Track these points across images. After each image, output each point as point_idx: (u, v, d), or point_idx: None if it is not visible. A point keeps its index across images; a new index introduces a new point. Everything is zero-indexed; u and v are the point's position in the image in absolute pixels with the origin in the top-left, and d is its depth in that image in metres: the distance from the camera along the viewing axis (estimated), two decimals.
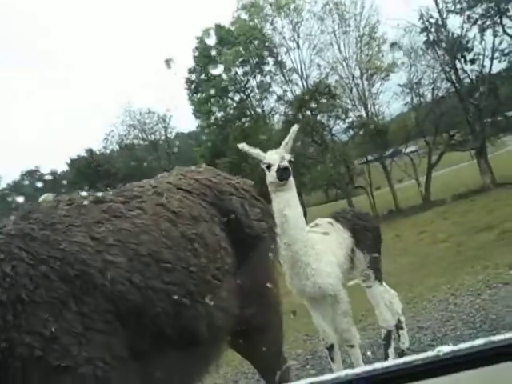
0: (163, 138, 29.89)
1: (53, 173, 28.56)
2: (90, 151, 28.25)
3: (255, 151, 3.89)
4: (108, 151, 29.32)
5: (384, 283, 4.36)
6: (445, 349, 0.86)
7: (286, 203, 3.66)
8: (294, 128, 3.93)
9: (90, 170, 25.62)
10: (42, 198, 2.22)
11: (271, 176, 3.69)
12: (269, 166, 3.71)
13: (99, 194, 2.23)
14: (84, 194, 2.23)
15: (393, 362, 0.93)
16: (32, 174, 31.45)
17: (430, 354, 0.87)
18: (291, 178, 3.77)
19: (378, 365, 0.89)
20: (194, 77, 26.04)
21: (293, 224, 3.63)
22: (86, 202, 2.13)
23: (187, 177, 2.83)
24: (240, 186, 2.96)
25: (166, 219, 2.27)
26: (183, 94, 26.27)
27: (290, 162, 3.72)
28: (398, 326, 4.33)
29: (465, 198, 18.04)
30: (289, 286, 3.77)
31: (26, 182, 30.50)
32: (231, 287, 2.51)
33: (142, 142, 29.57)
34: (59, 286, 1.83)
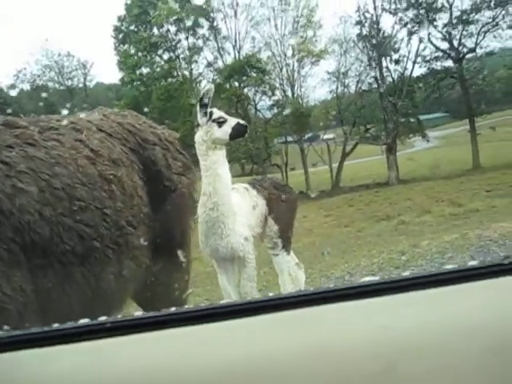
0: (81, 85, 28.09)
1: None
2: None
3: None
4: (17, 90, 26.94)
5: (292, 253, 4.51)
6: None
7: (220, 162, 3.63)
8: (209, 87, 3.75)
9: None
10: None
11: (223, 132, 3.62)
12: (223, 122, 3.62)
13: (10, 118, 2.04)
14: None
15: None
16: None
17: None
18: None
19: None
20: (123, 26, 24.63)
21: (224, 183, 3.62)
22: None
23: (110, 119, 2.68)
24: (165, 136, 2.88)
25: (84, 156, 2.14)
26: (109, 42, 24.87)
27: None
28: None
29: (370, 189, 19.18)
30: (201, 245, 3.76)
31: None
32: (144, 237, 2.45)
33: (57, 86, 27.54)
34: None
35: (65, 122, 2.33)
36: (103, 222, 2.09)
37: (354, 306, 0.97)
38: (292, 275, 4.37)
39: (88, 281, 2.02)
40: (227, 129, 3.61)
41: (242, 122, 3.69)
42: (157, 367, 0.90)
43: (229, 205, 3.67)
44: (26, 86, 27.00)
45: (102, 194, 2.12)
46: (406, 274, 1.08)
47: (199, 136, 3.67)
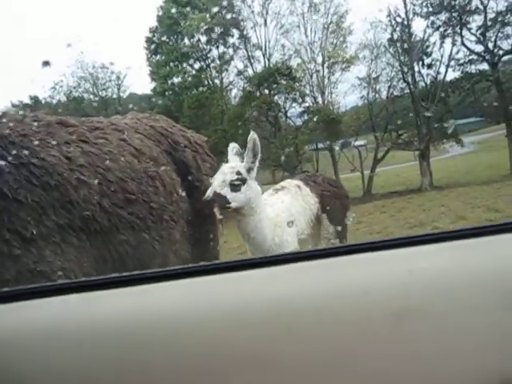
0: (115, 96, 28.81)
1: None
2: (34, 99, 26.77)
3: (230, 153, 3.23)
4: (54, 101, 27.88)
5: None
6: None
7: (251, 229, 3.13)
8: (253, 136, 3.09)
9: None
10: (3, 109, 2.14)
11: None
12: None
13: (63, 117, 2.18)
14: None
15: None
16: None
17: None
18: (258, 202, 3.16)
19: None
20: (155, 37, 25.21)
21: (259, 244, 3.21)
22: (52, 121, 2.08)
23: (143, 122, 2.82)
24: (194, 139, 3.00)
25: (129, 153, 2.26)
26: (141, 53, 25.47)
27: (232, 185, 2.86)
28: None
29: (403, 196, 18.90)
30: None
31: None
32: (183, 232, 2.55)
33: (92, 97, 28.33)
34: (40, 192, 1.80)
35: (106, 124, 2.45)
36: (150, 216, 2.19)
37: (383, 255, 1.13)
38: None
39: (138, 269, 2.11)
40: None
41: (208, 194, 2.77)
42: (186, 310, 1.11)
43: (262, 235, 3.21)
44: (63, 98, 27.91)
45: (148, 189, 2.23)
46: None
47: None
